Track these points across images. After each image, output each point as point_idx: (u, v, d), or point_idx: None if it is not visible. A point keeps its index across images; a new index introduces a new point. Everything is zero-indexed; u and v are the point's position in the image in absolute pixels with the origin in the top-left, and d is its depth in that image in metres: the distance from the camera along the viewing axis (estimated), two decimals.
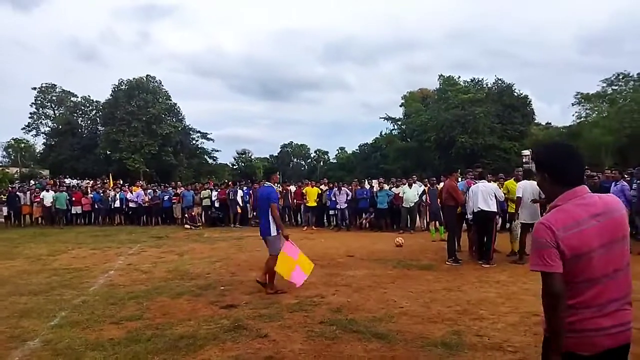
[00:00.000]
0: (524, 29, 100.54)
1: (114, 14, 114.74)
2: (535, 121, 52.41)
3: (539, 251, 1.90)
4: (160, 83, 52.93)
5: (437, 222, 12.72)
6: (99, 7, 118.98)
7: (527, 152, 40.26)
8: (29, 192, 19.72)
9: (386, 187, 15.76)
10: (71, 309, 5.91)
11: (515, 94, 48.30)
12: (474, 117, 44.10)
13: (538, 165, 2.08)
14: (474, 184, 9.35)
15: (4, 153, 63.81)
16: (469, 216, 9.00)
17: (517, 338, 4.53)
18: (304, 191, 16.87)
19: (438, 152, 48.26)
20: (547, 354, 1.97)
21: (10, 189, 20.94)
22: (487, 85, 51.37)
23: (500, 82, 49.59)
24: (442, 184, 13.35)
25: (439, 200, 12.31)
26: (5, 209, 19.24)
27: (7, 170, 34.95)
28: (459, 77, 52.96)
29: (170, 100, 53.18)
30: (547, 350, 1.98)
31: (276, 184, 7.22)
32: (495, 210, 8.68)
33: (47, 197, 18.77)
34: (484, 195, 8.63)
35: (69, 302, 6.28)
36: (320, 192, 16.71)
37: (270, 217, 6.63)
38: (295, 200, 17.28)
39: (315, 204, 16.46)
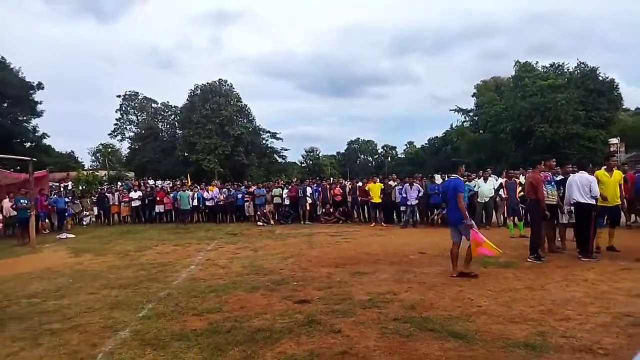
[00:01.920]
0: (607, 8, 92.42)
1: (188, 22, 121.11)
2: (624, 107, 48.29)
3: None
4: (232, 86, 55.20)
5: (515, 218, 12.05)
6: (174, 16, 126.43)
7: (614, 140, 37.11)
8: (117, 193, 21.32)
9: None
10: (157, 301, 6.29)
11: (601, 78, 44.58)
12: (554, 104, 41.33)
13: None
14: (543, 177, 8.88)
15: (93, 157, 70.07)
16: (567, 207, 8.61)
17: (609, 340, 4.20)
18: (367, 188, 16.68)
19: (514, 143, 45.88)
20: None
21: (99, 190, 22.73)
22: (568, 70, 47.95)
23: (583, 65, 46.05)
24: (522, 177, 12.75)
25: (519, 193, 11.72)
26: (95, 209, 20.93)
27: (96, 173, 37.81)
28: (537, 62, 49.88)
29: (241, 102, 55.21)
30: None
31: (462, 175, 7.80)
32: (593, 202, 8.13)
33: (135, 196, 20.28)
34: (578, 186, 8.11)
35: (155, 294, 6.69)
36: (382, 187, 16.40)
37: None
38: (360, 197, 17.19)
39: (379, 200, 16.22)
